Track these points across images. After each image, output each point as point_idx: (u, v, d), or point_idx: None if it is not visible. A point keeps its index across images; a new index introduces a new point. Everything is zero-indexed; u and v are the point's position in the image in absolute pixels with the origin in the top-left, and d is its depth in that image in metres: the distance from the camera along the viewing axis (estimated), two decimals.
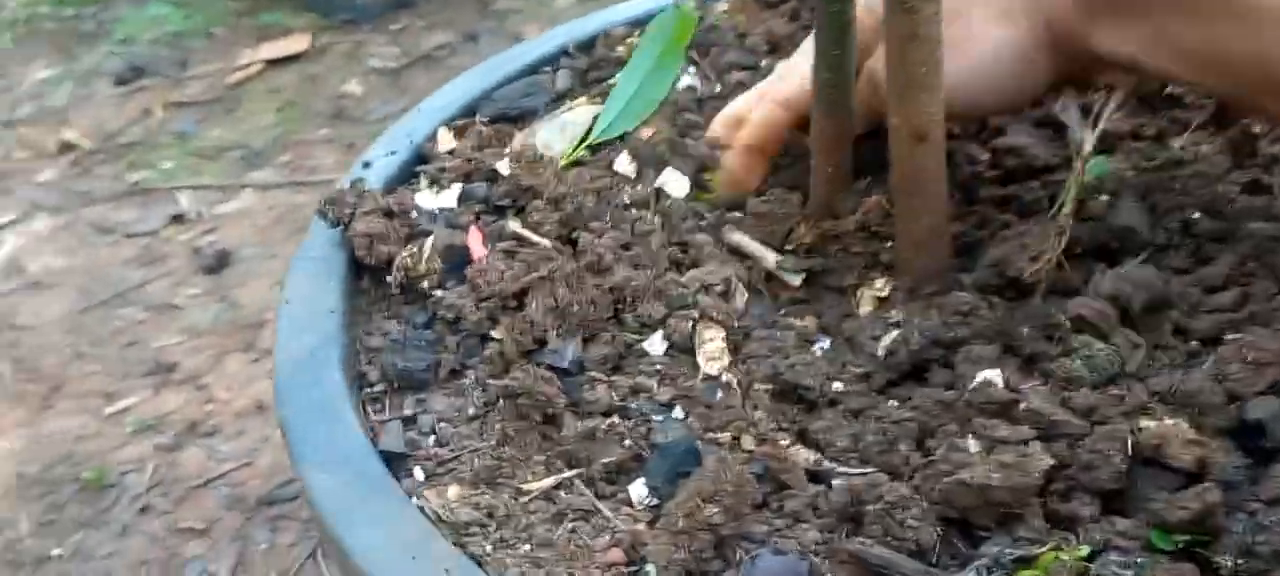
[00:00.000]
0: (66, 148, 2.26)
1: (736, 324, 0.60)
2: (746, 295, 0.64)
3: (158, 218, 2.02)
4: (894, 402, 0.56)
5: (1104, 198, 0.65)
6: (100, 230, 2.00)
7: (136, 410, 1.58)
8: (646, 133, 0.72)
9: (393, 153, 0.76)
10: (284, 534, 1.39)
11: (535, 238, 0.64)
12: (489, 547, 0.48)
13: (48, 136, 2.31)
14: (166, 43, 2.62)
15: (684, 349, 0.59)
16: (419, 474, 0.54)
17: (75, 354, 1.70)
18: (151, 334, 1.72)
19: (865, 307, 0.64)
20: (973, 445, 0.49)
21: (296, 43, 2.62)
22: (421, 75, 2.49)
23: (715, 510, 0.47)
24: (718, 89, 0.81)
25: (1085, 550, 0.43)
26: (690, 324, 0.59)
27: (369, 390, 0.60)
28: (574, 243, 0.64)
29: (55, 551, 1.37)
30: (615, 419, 0.54)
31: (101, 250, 1.95)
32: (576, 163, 0.73)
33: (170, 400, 1.59)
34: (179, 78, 2.50)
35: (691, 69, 0.82)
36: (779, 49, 0.86)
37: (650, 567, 0.47)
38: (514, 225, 0.65)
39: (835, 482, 0.50)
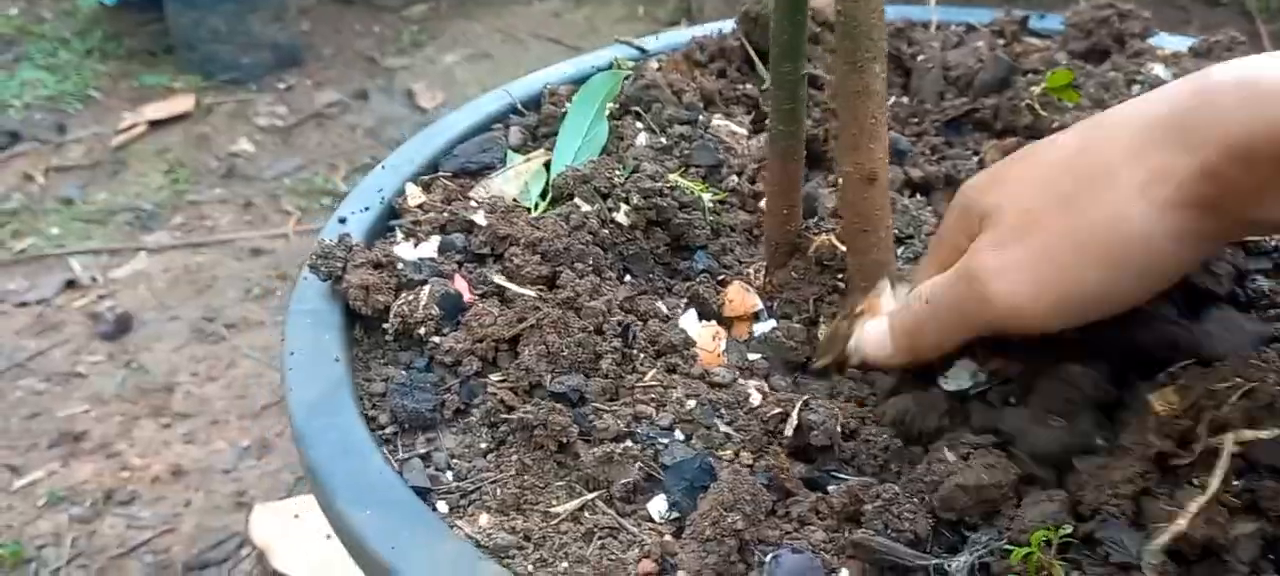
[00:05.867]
0: None
1: (721, 350, 0.66)
2: (724, 334, 0.70)
3: (50, 285, 1.97)
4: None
5: None
6: None
7: (47, 482, 1.54)
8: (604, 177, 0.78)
9: (366, 208, 0.79)
10: None
11: (519, 289, 0.68)
12: (531, 567, 0.53)
13: None
14: (42, 107, 2.56)
15: (675, 371, 0.65)
16: (443, 506, 0.58)
17: None
18: (55, 404, 1.68)
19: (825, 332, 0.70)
20: (949, 454, 0.55)
21: (181, 103, 2.58)
22: (313, 133, 2.49)
23: (737, 517, 0.52)
24: (664, 142, 0.87)
25: (1069, 528, 0.50)
26: (677, 355, 0.65)
27: (380, 432, 0.63)
28: (553, 281, 0.69)
29: None
30: (628, 443, 0.59)
31: None
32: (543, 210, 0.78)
33: (82, 470, 1.56)
34: (59, 142, 2.45)
35: (638, 124, 0.88)
36: (712, 104, 0.93)
37: (682, 573, 0.52)
38: (498, 277, 0.70)
39: (831, 488, 0.56)
